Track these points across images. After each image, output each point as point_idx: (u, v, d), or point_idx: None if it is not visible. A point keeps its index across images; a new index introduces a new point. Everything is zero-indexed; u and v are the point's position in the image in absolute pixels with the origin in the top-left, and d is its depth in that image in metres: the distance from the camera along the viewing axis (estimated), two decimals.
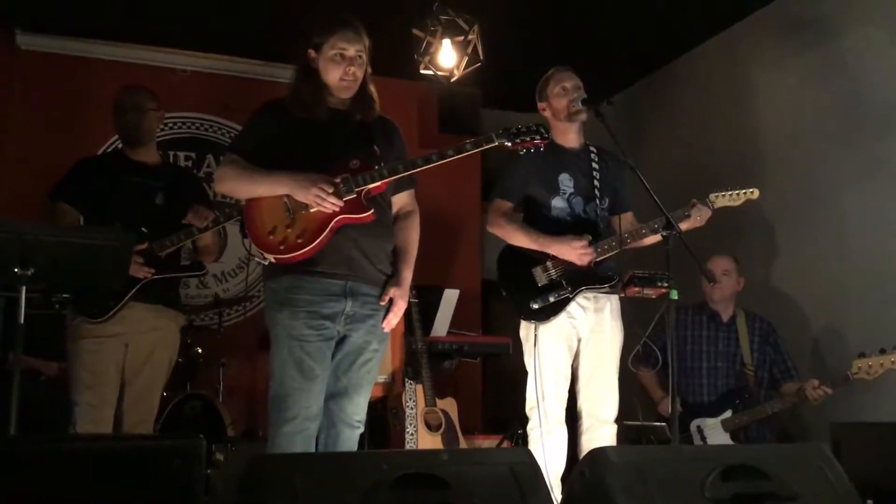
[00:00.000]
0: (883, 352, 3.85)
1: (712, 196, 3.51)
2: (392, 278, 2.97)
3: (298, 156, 2.84)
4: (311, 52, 2.94)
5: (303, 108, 2.93)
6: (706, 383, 4.40)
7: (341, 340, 2.89)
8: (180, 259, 3.70)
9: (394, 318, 2.95)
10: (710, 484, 2.00)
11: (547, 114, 3.71)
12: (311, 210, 2.77)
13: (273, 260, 2.80)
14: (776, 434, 4.39)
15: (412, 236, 3.09)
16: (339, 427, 2.89)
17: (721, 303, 4.51)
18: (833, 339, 4.22)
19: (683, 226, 3.41)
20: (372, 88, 3.02)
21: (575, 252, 3.44)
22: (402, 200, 3.11)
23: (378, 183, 2.82)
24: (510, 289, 3.59)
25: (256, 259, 2.86)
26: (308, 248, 2.76)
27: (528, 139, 2.90)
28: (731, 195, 3.53)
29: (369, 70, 3.01)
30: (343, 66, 2.91)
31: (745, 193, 3.54)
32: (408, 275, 3.02)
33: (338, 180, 2.77)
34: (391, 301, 2.93)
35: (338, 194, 2.75)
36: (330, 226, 2.78)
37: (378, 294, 2.92)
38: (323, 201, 2.74)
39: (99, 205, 3.55)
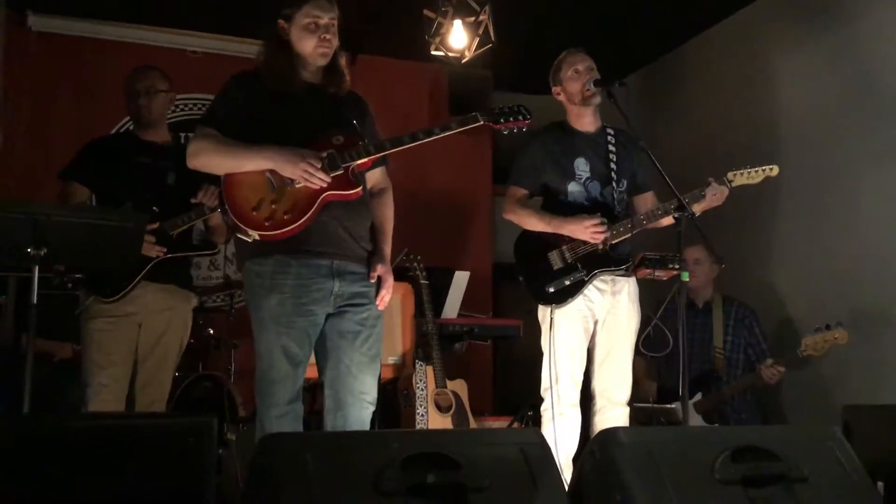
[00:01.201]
0: (828, 328, 3.98)
1: (730, 174, 3.45)
2: (375, 255, 2.95)
3: (278, 129, 2.80)
4: (282, 23, 2.89)
5: (276, 81, 2.87)
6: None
7: (336, 319, 2.85)
8: (192, 239, 3.71)
9: (387, 295, 2.93)
10: (720, 465, 2.00)
11: (562, 98, 3.69)
12: (298, 185, 2.73)
13: (257, 237, 2.74)
14: (758, 415, 4.47)
15: (388, 213, 3.06)
16: (346, 409, 2.85)
17: (696, 290, 4.58)
18: (844, 321, 4.20)
19: (699, 206, 3.38)
20: (343, 62, 2.98)
21: (587, 231, 3.43)
22: (375, 177, 3.07)
23: (365, 159, 2.80)
24: (527, 273, 3.59)
25: (239, 236, 2.80)
26: (297, 224, 2.71)
27: (511, 119, 2.90)
28: (749, 173, 3.46)
29: (338, 45, 2.96)
30: (318, 34, 2.86)
31: (763, 171, 3.46)
32: (388, 251, 3.00)
33: (324, 155, 2.74)
34: (380, 279, 2.91)
35: (325, 170, 2.72)
36: (317, 202, 2.73)
37: (364, 272, 2.89)
38: (311, 177, 2.70)
39: (110, 185, 3.56)
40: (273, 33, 2.92)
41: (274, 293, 2.76)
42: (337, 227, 2.81)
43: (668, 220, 3.48)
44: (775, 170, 3.48)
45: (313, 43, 2.87)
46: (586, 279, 3.48)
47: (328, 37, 2.87)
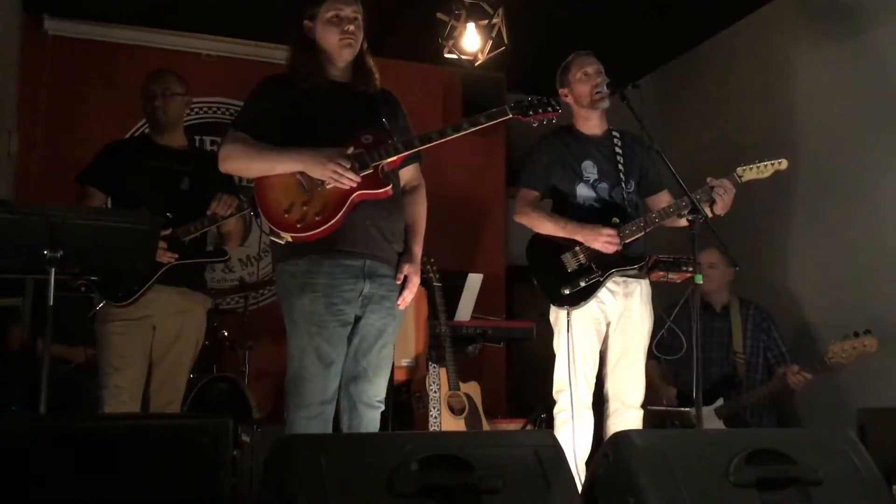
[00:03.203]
0: (856, 335, 3.91)
1: (740, 170, 3.45)
2: (404, 255, 2.95)
3: (307, 130, 2.81)
4: (307, 23, 2.91)
5: (303, 78, 2.89)
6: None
7: (358, 321, 2.87)
8: (205, 244, 3.72)
9: (409, 295, 2.93)
10: (735, 468, 1.99)
11: (569, 100, 3.69)
12: (328, 186, 2.74)
13: (290, 239, 2.76)
14: (775, 420, 4.43)
15: (421, 211, 3.07)
16: (360, 409, 2.89)
17: (712, 294, 4.55)
18: (863, 325, 4.18)
19: (720, 206, 3.36)
20: (371, 61, 3.00)
21: (601, 241, 3.44)
22: (408, 174, 3.07)
23: (394, 158, 2.80)
24: (540, 276, 3.59)
25: (272, 238, 2.81)
26: (328, 226, 2.73)
27: (540, 111, 2.89)
28: (759, 168, 3.45)
29: (366, 45, 2.98)
30: (341, 27, 2.88)
31: (772, 165, 3.46)
32: (418, 250, 3.00)
33: (351, 154, 2.75)
34: (405, 277, 2.91)
35: (354, 170, 2.73)
36: (349, 202, 2.74)
37: (393, 274, 2.90)
38: (340, 177, 2.70)
39: (125, 189, 3.58)
40: (299, 34, 2.94)
41: (306, 293, 2.77)
42: (369, 227, 2.82)
43: (683, 221, 3.47)
44: (784, 163, 3.48)
45: (337, 36, 2.89)
46: (602, 280, 3.48)
47: (351, 28, 2.89)
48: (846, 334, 3.96)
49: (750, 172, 3.46)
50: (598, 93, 3.57)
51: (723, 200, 3.37)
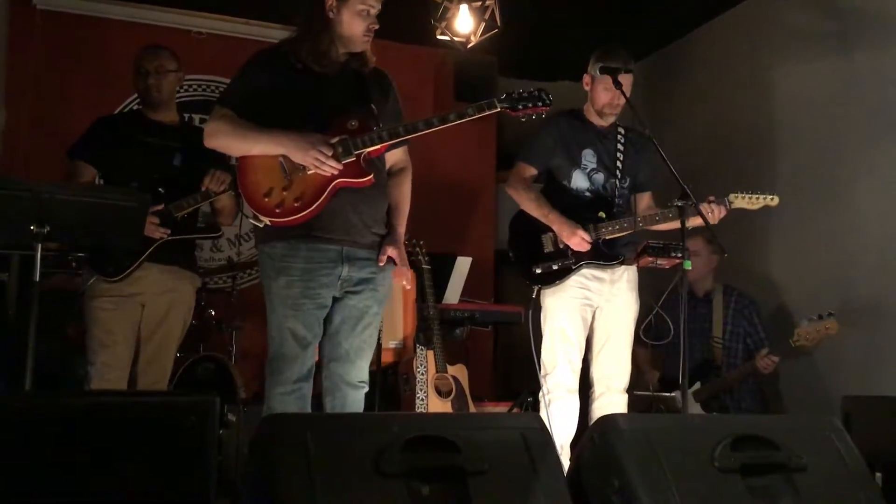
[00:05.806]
0: (820, 318, 4.02)
1: (732, 196, 3.50)
2: (387, 236, 2.94)
3: (294, 112, 2.80)
4: (332, 2, 2.86)
5: (316, 59, 2.87)
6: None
7: (340, 303, 2.87)
8: (197, 221, 3.70)
9: (406, 272, 2.95)
10: (720, 453, 2.01)
11: (587, 88, 3.71)
12: (309, 172, 2.73)
13: (268, 223, 2.76)
14: (759, 404, 4.49)
15: (405, 192, 3.06)
16: (344, 390, 2.90)
17: (695, 280, 4.60)
18: (838, 318, 4.21)
19: (694, 220, 3.40)
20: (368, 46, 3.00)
21: (574, 240, 3.50)
22: (395, 157, 3.06)
23: (377, 146, 2.79)
24: (518, 251, 3.68)
25: (251, 221, 2.82)
26: (306, 213, 2.73)
27: (530, 105, 2.84)
28: (750, 198, 3.52)
29: None
30: (368, 22, 2.88)
31: (764, 198, 3.53)
32: (402, 231, 3.00)
33: (336, 142, 2.73)
34: (391, 260, 2.91)
35: (336, 157, 2.71)
36: (328, 189, 2.73)
37: (374, 257, 2.89)
38: (322, 164, 2.69)
39: (116, 164, 3.55)
40: (317, 10, 2.88)
41: (282, 276, 2.78)
42: (349, 214, 2.81)
43: (665, 226, 3.53)
44: (775, 199, 3.55)
45: (363, 29, 2.88)
46: (573, 267, 3.54)
47: (375, 26, 2.90)
48: (811, 318, 4.06)
49: (741, 200, 3.51)
50: (611, 112, 3.64)
51: (707, 219, 3.39)
